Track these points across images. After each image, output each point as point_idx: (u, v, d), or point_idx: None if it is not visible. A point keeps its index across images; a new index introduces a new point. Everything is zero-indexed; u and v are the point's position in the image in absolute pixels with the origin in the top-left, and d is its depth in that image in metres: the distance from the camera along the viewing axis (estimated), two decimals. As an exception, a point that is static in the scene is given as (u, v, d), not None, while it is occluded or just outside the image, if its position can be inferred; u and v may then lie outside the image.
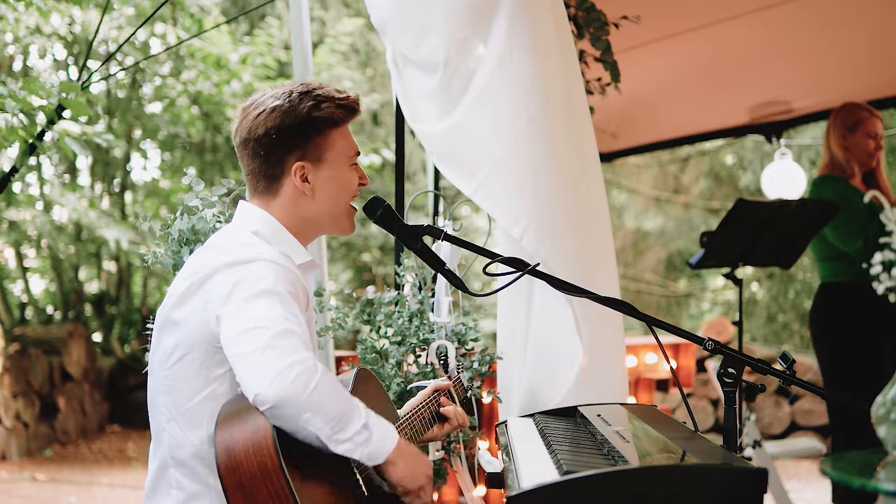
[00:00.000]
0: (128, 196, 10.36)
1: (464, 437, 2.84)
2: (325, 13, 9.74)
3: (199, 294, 1.90)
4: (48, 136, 3.21)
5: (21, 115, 3.11)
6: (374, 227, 9.21)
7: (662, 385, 5.36)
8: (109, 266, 10.26)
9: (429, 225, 2.19)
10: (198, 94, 8.66)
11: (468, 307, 3.08)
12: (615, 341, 2.95)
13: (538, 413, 2.49)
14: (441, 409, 2.35)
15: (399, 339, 2.83)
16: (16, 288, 10.12)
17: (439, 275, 2.37)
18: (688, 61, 5.00)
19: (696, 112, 5.77)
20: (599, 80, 3.66)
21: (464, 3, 2.84)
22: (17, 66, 8.69)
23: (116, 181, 10.04)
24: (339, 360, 3.63)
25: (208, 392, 1.91)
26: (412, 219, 3.74)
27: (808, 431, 7.42)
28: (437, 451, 2.73)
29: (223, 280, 1.87)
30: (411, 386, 2.62)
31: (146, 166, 10.46)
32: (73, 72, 8.86)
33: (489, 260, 2.16)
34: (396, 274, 3.04)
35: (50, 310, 10.19)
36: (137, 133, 9.65)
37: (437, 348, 2.79)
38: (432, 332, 2.85)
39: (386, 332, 2.87)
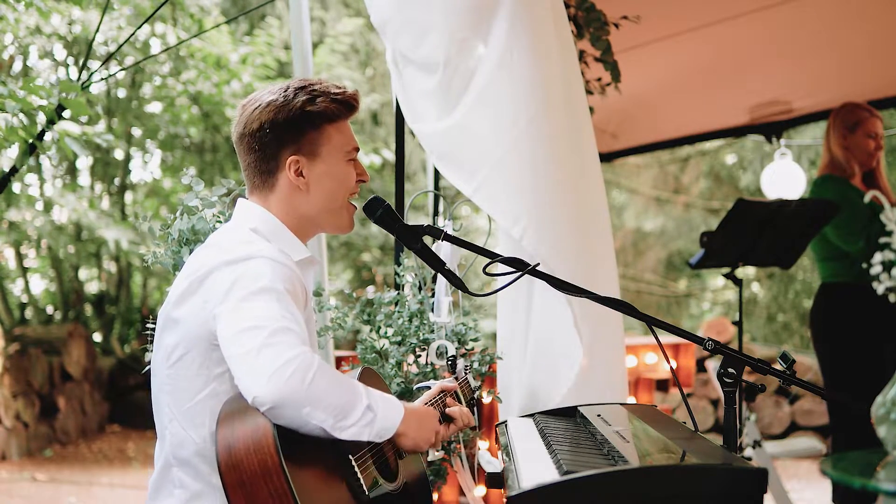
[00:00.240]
0: (128, 196, 10.36)
1: (464, 437, 2.84)
2: (325, 13, 9.74)
3: (198, 293, 1.90)
4: (48, 136, 3.21)
5: (21, 115, 3.11)
6: (374, 227, 9.21)
7: (662, 385, 5.36)
8: (109, 266, 10.27)
9: (429, 225, 2.19)
10: (198, 94, 8.66)
11: (468, 307, 3.08)
12: (615, 341, 2.95)
13: (538, 413, 2.49)
14: (447, 409, 2.35)
15: (399, 339, 2.83)
16: (16, 288, 10.12)
17: (439, 275, 2.37)
18: (688, 61, 5.00)
19: (696, 112, 5.77)
20: (599, 80, 3.66)
21: (464, 3, 2.84)
22: (17, 66, 8.69)
23: (116, 181, 10.04)
24: (339, 360, 3.63)
25: (209, 391, 1.91)
26: (412, 219, 3.75)
27: (808, 431, 7.42)
28: (437, 451, 2.72)
29: (221, 278, 1.87)
30: (416, 386, 2.62)
31: (146, 166, 10.47)
32: (73, 72, 8.86)
33: (489, 260, 2.16)
34: (396, 274, 3.04)
35: (50, 310, 10.20)
36: (137, 133, 9.65)
37: (438, 348, 2.79)
38: (432, 332, 2.85)
39: (386, 332, 2.87)
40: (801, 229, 4.14)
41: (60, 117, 3.16)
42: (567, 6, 3.29)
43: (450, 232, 2.24)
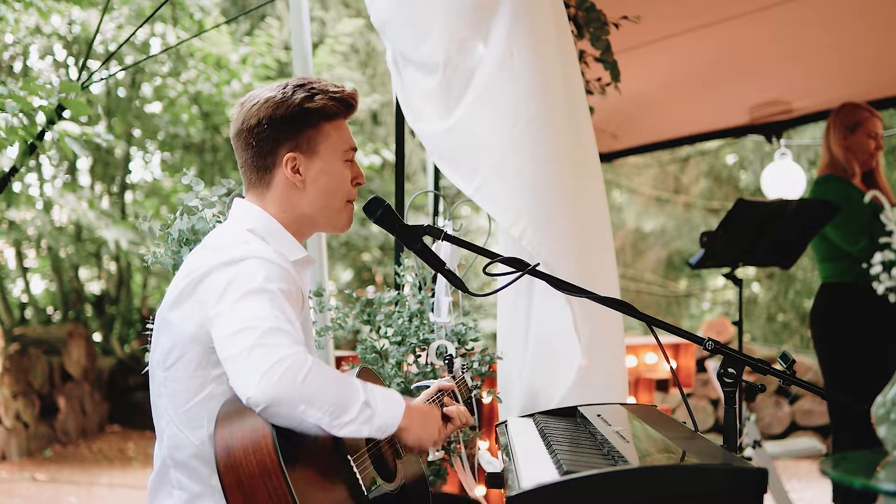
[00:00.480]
0: (128, 196, 10.36)
1: (464, 437, 2.84)
2: (325, 13, 9.74)
3: (194, 295, 1.90)
4: (48, 136, 3.21)
5: (21, 115, 3.10)
6: (374, 227, 9.21)
7: (662, 385, 5.36)
8: (109, 266, 10.27)
9: (429, 225, 2.18)
10: (198, 94, 8.66)
11: (468, 307, 3.08)
12: (615, 341, 2.95)
13: (538, 413, 2.49)
14: (444, 409, 2.35)
15: (399, 339, 2.83)
16: (16, 288, 10.12)
17: (439, 275, 2.37)
18: (688, 61, 5.00)
19: (696, 112, 5.77)
20: (599, 80, 3.66)
21: (464, 3, 2.84)
22: (17, 66, 8.69)
23: (116, 181, 10.04)
24: (339, 360, 3.63)
25: (206, 393, 1.91)
26: (412, 219, 3.75)
27: (808, 431, 7.42)
28: (438, 451, 2.72)
29: (217, 280, 1.87)
30: (414, 386, 2.62)
31: (146, 166, 10.47)
32: (73, 72, 8.86)
33: (489, 260, 2.16)
34: (396, 274, 3.04)
35: (50, 310, 10.20)
36: (137, 133, 9.65)
37: (438, 348, 2.79)
38: (432, 332, 2.85)
39: (386, 332, 2.87)
40: (801, 229, 4.14)
41: (60, 117, 3.16)
42: (567, 6, 3.29)
43: (450, 232, 2.24)
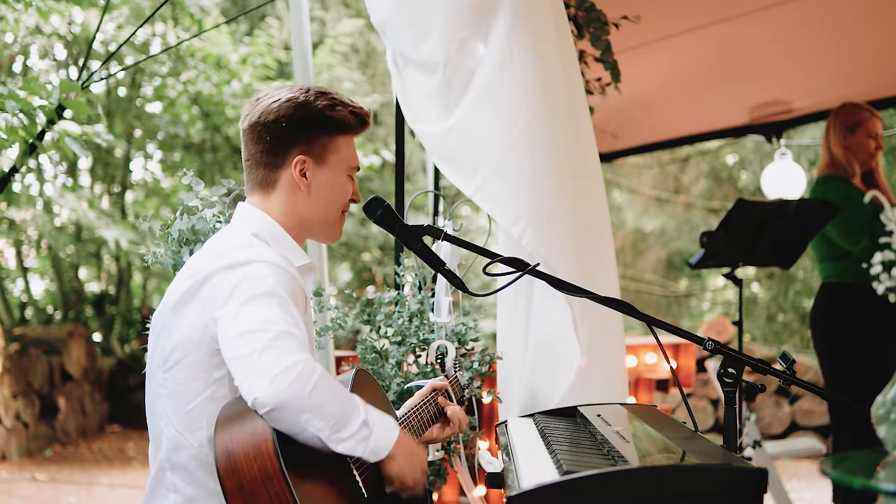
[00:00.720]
0: (128, 196, 10.36)
1: (464, 437, 2.84)
2: (325, 13, 9.74)
3: (197, 297, 1.90)
4: (48, 136, 3.21)
5: (21, 115, 3.10)
6: (374, 227, 9.21)
7: (662, 385, 5.36)
8: (109, 266, 10.27)
9: (429, 225, 2.19)
10: (198, 95, 8.66)
11: (468, 307, 3.08)
12: (615, 341, 2.95)
13: (538, 413, 2.49)
14: (446, 409, 2.35)
15: (399, 339, 2.83)
16: (16, 288, 10.12)
17: (439, 275, 2.37)
18: (688, 61, 5.00)
19: (696, 112, 5.77)
20: (599, 80, 3.66)
21: (464, 3, 2.84)
22: (17, 66, 8.69)
23: (116, 181, 10.04)
24: (339, 360, 3.63)
25: (207, 395, 1.90)
26: (412, 219, 3.75)
27: (808, 431, 7.42)
28: (437, 451, 2.73)
29: (222, 282, 1.87)
30: (408, 385, 2.62)
31: (146, 164, 10.47)
32: (73, 72, 8.86)
33: (489, 260, 2.16)
34: (396, 274, 3.04)
35: (50, 310, 10.20)
36: (137, 133, 9.65)
37: (438, 348, 2.79)
38: (432, 332, 2.85)
39: (386, 332, 2.87)
40: (801, 229, 4.14)
41: (60, 117, 3.16)
42: (567, 6, 3.29)
43: (450, 232, 2.24)
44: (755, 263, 4.39)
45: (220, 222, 2.48)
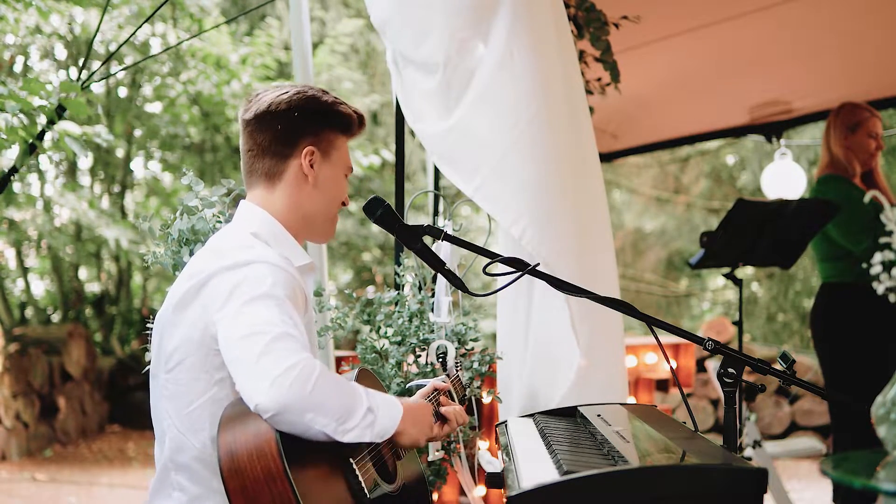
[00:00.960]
0: (128, 196, 10.36)
1: (464, 437, 2.84)
2: (325, 13, 9.74)
3: (198, 298, 1.90)
4: (48, 136, 3.21)
5: (21, 115, 3.10)
6: (374, 227, 9.21)
7: (662, 385, 5.36)
8: (109, 266, 10.27)
9: (429, 225, 2.19)
10: (198, 95, 8.66)
11: (468, 307, 3.08)
12: (615, 341, 2.95)
13: (538, 413, 2.49)
14: (441, 408, 2.35)
15: (399, 339, 2.83)
16: (16, 288, 10.12)
17: (439, 275, 2.37)
18: (688, 61, 5.00)
19: (696, 112, 5.77)
20: (599, 80, 3.66)
21: (464, 3, 2.84)
22: (18, 66, 8.69)
23: (117, 181, 10.04)
24: (339, 360, 3.63)
25: (209, 396, 1.90)
26: (412, 219, 3.75)
27: (808, 431, 7.42)
28: (437, 451, 2.72)
29: (222, 283, 1.87)
30: (409, 385, 2.62)
31: (146, 164, 10.47)
32: (73, 72, 8.86)
33: (489, 260, 2.16)
34: (396, 274, 3.04)
35: (50, 310, 10.20)
36: (138, 133, 9.66)
37: (438, 348, 2.79)
38: (432, 332, 2.84)
39: (386, 332, 2.86)
40: (801, 229, 4.14)
41: (60, 117, 3.16)
42: (567, 6, 3.29)
43: (450, 232, 2.24)
44: (755, 263, 4.39)
45: (220, 222, 2.48)
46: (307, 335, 1.92)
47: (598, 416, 2.22)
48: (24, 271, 9.85)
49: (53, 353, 7.99)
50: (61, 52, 9.06)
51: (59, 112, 3.13)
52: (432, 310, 2.91)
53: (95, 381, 8.76)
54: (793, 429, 7.51)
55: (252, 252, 1.92)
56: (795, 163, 5.96)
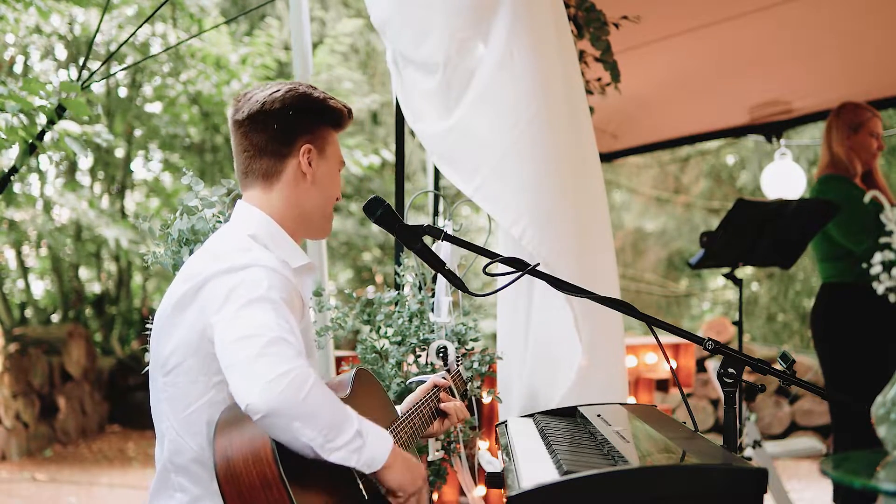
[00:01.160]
0: (128, 196, 10.37)
1: (464, 437, 2.84)
2: (325, 13, 9.74)
3: (195, 301, 1.89)
4: (48, 136, 3.21)
5: (21, 115, 3.10)
6: (374, 227, 9.21)
7: (662, 385, 5.36)
8: (109, 266, 10.27)
9: (429, 225, 2.18)
10: (198, 95, 8.66)
11: (468, 307, 3.08)
12: (615, 341, 2.95)
13: (538, 413, 2.49)
14: (441, 404, 2.35)
15: (399, 339, 2.83)
16: (16, 288, 10.13)
17: (439, 275, 2.37)
18: (688, 61, 5.00)
19: (696, 112, 5.77)
20: (599, 80, 3.66)
21: (464, 3, 2.84)
22: (18, 66, 8.69)
23: (116, 181, 10.05)
24: (339, 360, 3.63)
25: (206, 399, 1.90)
26: (412, 219, 3.74)
27: (808, 431, 7.42)
28: (438, 451, 2.72)
29: (218, 287, 1.86)
30: (410, 381, 2.62)
31: (146, 164, 10.47)
32: (73, 72, 8.86)
33: (489, 260, 2.16)
34: (396, 274, 3.04)
35: (50, 310, 10.20)
36: (138, 133, 9.66)
37: (438, 348, 2.79)
38: (432, 332, 2.84)
39: (386, 332, 2.86)
40: (801, 229, 4.14)
41: (60, 117, 3.16)
42: (567, 6, 3.29)
43: (450, 232, 2.23)
44: (755, 263, 4.39)
45: (220, 222, 2.48)
46: (304, 339, 1.92)
47: (598, 416, 2.22)
48: (24, 271, 9.85)
49: (53, 353, 7.99)
50: (61, 52, 9.06)
51: (59, 112, 3.13)
52: (432, 310, 2.91)
53: (95, 381, 8.76)
54: (793, 429, 7.51)
55: (249, 255, 1.91)
56: (795, 163, 5.96)
